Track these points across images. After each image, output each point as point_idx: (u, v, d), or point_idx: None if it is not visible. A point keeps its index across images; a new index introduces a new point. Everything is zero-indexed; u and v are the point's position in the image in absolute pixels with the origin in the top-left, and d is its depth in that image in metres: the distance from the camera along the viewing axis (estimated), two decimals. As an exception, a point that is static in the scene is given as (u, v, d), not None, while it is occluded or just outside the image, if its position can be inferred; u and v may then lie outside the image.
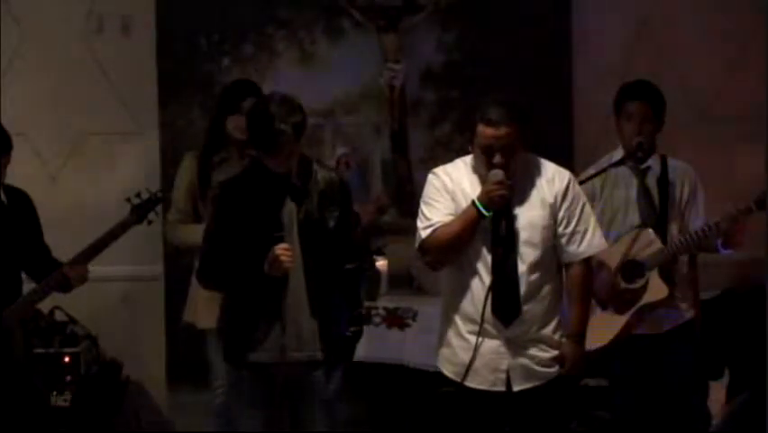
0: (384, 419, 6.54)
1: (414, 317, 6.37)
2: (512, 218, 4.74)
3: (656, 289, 5.53)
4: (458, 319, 4.83)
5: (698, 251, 5.58)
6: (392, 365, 6.35)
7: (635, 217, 5.62)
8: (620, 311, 5.57)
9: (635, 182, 5.65)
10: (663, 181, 5.64)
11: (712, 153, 6.67)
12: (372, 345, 6.10)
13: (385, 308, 6.41)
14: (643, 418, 5.68)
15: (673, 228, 5.62)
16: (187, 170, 5.92)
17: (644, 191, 5.64)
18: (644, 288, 5.54)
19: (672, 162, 5.70)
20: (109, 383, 6.56)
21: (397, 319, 6.39)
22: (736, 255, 6.22)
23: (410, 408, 6.40)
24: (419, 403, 6.29)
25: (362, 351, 5.52)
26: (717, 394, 6.26)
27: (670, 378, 5.63)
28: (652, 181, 5.65)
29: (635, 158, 5.63)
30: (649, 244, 5.54)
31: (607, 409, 5.98)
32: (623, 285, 5.54)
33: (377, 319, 6.33)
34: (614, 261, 5.52)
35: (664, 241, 5.55)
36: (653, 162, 5.66)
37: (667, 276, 5.54)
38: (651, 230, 5.57)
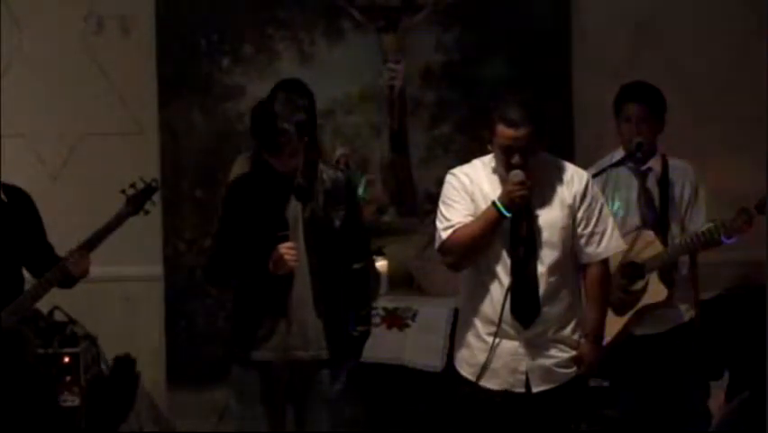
0: (383, 420, 6.54)
1: (413, 318, 6.37)
2: (532, 219, 4.75)
3: (656, 291, 5.53)
4: (477, 321, 4.83)
5: (702, 249, 5.57)
6: (391, 365, 6.34)
7: (635, 219, 5.62)
8: (619, 312, 5.57)
9: (635, 183, 5.65)
10: (664, 182, 5.65)
11: (712, 153, 6.66)
12: (372, 345, 6.07)
13: (384, 309, 6.41)
14: (643, 418, 5.68)
15: (674, 229, 5.62)
16: (239, 171, 5.90)
17: (644, 193, 5.64)
18: (643, 290, 5.54)
19: (672, 163, 5.69)
20: (124, 379, 6.59)
21: (396, 319, 6.39)
22: (736, 255, 6.24)
23: (409, 408, 6.40)
24: (418, 403, 6.30)
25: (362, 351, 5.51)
26: (717, 394, 6.26)
27: (670, 378, 5.63)
28: (652, 183, 5.65)
29: (634, 159, 5.63)
30: (649, 245, 5.55)
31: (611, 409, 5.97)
32: (623, 287, 5.55)
33: (376, 319, 6.32)
34: (614, 262, 5.51)
35: (665, 242, 5.55)
36: (654, 163, 5.67)
37: (667, 278, 5.54)
38: (651, 232, 5.57)
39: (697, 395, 5.71)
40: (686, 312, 5.64)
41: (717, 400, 6.13)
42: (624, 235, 5.52)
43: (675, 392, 5.62)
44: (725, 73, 7.04)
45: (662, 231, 5.57)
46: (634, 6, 7.08)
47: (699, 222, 5.58)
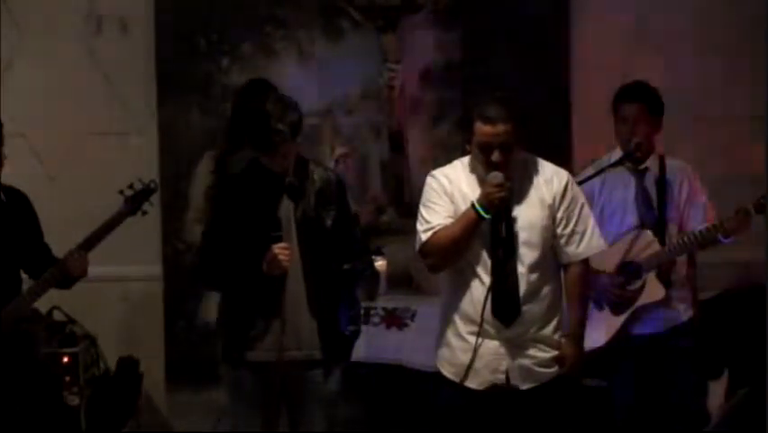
0: (382, 420, 6.54)
1: (412, 317, 6.37)
2: (511, 220, 4.74)
3: (653, 290, 5.54)
4: (458, 320, 4.83)
5: (700, 249, 5.58)
6: (391, 365, 6.34)
7: (633, 218, 5.62)
8: (617, 312, 5.57)
9: (633, 183, 5.65)
10: (662, 182, 5.65)
11: (712, 153, 6.66)
12: (371, 345, 6.09)
13: (384, 308, 6.40)
14: (642, 418, 5.68)
15: (672, 229, 5.62)
16: (205, 169, 5.92)
17: (642, 192, 5.65)
18: (641, 289, 5.55)
19: (670, 162, 5.70)
20: (127, 379, 6.60)
21: (395, 319, 6.38)
22: (736, 255, 6.23)
23: (409, 408, 6.40)
24: (418, 403, 6.29)
25: (361, 351, 5.52)
26: (716, 394, 6.26)
27: (669, 378, 5.63)
28: (650, 182, 5.66)
29: (633, 159, 5.63)
30: (647, 245, 5.55)
31: (608, 410, 5.95)
32: (620, 286, 5.54)
33: (375, 319, 6.32)
34: (612, 262, 5.52)
35: (663, 242, 5.56)
36: (652, 163, 5.67)
37: (665, 278, 5.54)
38: (649, 231, 5.58)
39: (695, 395, 5.71)
40: (684, 312, 5.64)
41: (715, 399, 6.13)
42: (622, 235, 5.55)
43: (673, 392, 5.61)
44: (724, 73, 7.03)
45: (660, 231, 5.58)
46: (633, 6, 7.07)
47: (697, 221, 5.58)
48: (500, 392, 4.78)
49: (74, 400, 6.33)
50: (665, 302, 5.57)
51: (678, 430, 5.63)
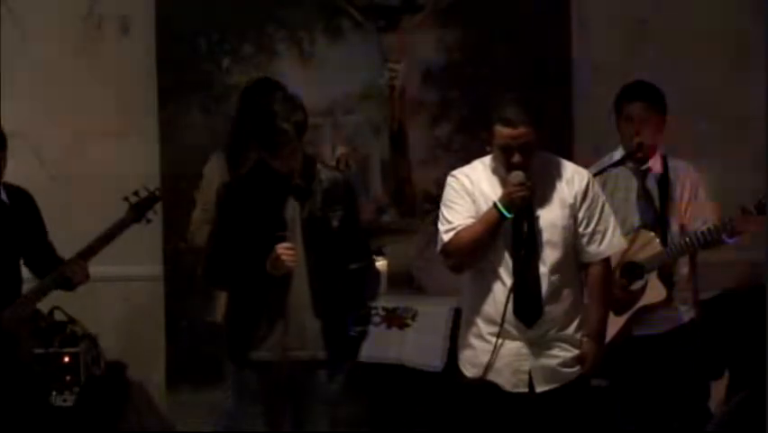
0: (383, 420, 6.54)
1: (413, 317, 6.38)
2: (533, 219, 4.76)
3: (655, 291, 5.54)
4: (479, 322, 4.85)
5: (703, 249, 5.58)
6: (391, 365, 6.35)
7: (635, 218, 5.62)
8: (618, 312, 5.57)
9: (635, 183, 5.65)
10: (664, 182, 5.65)
11: (712, 153, 6.66)
12: (371, 344, 6.07)
13: (384, 308, 6.40)
14: (643, 418, 5.68)
15: (674, 229, 5.62)
16: (216, 169, 5.91)
17: (644, 192, 5.65)
18: (642, 289, 5.55)
19: (672, 162, 5.70)
20: (114, 384, 6.58)
21: (396, 319, 6.39)
22: (736, 255, 6.24)
23: (409, 408, 6.40)
24: (418, 403, 6.30)
25: (362, 351, 5.50)
26: (717, 394, 6.26)
27: (670, 379, 5.63)
28: (652, 182, 5.65)
29: (635, 158, 5.63)
30: (649, 245, 5.55)
31: (608, 410, 5.95)
32: (622, 287, 5.55)
33: (376, 319, 6.32)
34: (613, 262, 5.51)
35: (664, 242, 5.56)
36: (654, 163, 5.67)
37: (666, 278, 5.55)
38: (651, 232, 5.58)
39: (696, 396, 5.71)
40: (686, 313, 5.64)
41: (717, 400, 6.13)
42: (623, 236, 5.54)
43: (675, 393, 5.61)
44: (724, 73, 7.03)
45: (661, 231, 5.58)
46: (634, 6, 7.08)
47: (698, 222, 5.58)
48: (521, 393, 4.78)
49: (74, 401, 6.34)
50: (666, 304, 5.57)
51: (679, 431, 5.64)
